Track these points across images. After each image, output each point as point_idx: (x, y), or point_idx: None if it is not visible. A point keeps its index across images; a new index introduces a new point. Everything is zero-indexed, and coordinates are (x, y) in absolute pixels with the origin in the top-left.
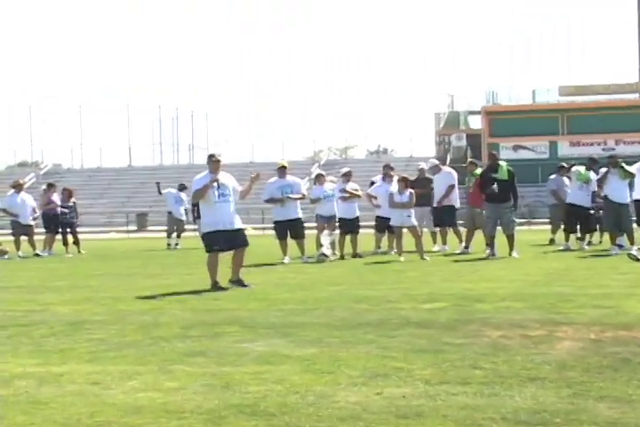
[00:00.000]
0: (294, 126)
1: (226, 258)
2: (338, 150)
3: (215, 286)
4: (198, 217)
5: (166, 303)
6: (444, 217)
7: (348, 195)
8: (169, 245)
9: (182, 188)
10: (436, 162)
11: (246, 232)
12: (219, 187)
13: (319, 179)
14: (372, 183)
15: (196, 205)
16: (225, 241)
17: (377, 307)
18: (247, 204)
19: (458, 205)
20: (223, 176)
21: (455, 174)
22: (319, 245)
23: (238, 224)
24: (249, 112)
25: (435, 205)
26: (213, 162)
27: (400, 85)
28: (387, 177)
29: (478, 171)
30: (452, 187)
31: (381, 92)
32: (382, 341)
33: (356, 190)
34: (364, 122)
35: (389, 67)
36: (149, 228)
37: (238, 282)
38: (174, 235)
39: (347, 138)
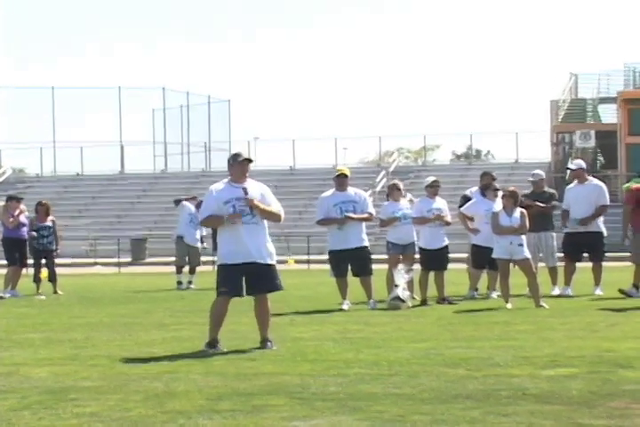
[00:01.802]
0: (350, 120)
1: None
2: (411, 153)
3: (211, 346)
4: None
5: (182, 365)
6: (593, 248)
7: (433, 216)
8: (179, 283)
9: (200, 203)
10: (582, 164)
11: (286, 266)
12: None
13: (394, 192)
14: (466, 199)
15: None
16: (245, 281)
17: (478, 373)
18: (286, 226)
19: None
20: (252, 187)
21: (605, 189)
22: (392, 286)
23: (269, 258)
24: (287, 100)
25: (567, 229)
26: (240, 164)
27: (498, 62)
28: (488, 190)
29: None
30: (603, 207)
31: (471, 73)
32: (490, 420)
33: (444, 216)
34: (448, 114)
35: (480, 39)
36: (149, 259)
37: (265, 343)
38: (186, 269)
39: (424, 135)
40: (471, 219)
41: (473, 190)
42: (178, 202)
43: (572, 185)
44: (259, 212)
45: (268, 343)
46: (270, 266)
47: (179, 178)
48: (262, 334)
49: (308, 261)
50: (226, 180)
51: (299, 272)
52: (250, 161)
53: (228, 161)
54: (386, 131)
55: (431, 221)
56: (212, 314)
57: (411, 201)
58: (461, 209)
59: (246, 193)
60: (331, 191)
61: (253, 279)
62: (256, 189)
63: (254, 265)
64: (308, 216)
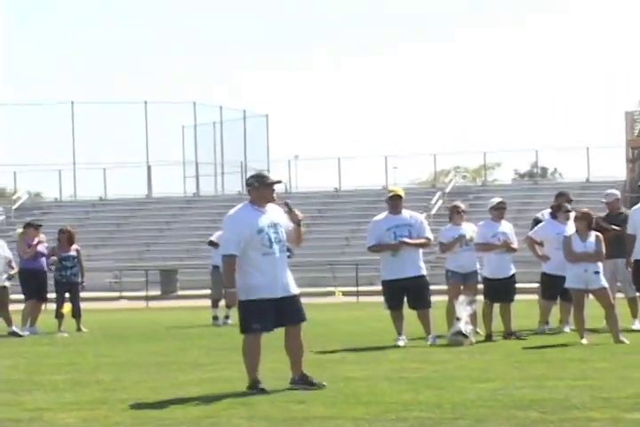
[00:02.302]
0: (400, 137)
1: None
2: (469, 172)
3: (255, 387)
4: None
5: (223, 408)
6: None
7: (499, 242)
8: (215, 318)
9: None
10: None
11: (333, 299)
12: (275, 229)
13: (455, 215)
14: (537, 222)
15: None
16: (273, 316)
17: (553, 416)
18: (332, 254)
19: None
20: (273, 211)
21: None
22: (453, 319)
23: (294, 288)
24: (330, 115)
25: (637, 256)
26: (266, 187)
27: (566, 71)
28: (559, 212)
29: None
30: None
31: (535, 83)
32: None
33: (510, 242)
34: (509, 129)
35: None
36: (181, 292)
37: (303, 380)
38: (222, 303)
39: (484, 152)
40: (540, 244)
41: (545, 213)
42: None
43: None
44: (297, 235)
45: (312, 379)
46: (295, 297)
47: (213, 201)
48: (298, 370)
49: (357, 293)
50: (241, 205)
51: (347, 305)
52: (278, 182)
53: (251, 183)
54: (440, 148)
55: (497, 248)
56: (247, 354)
57: (474, 231)
58: (529, 233)
59: (290, 208)
60: (383, 214)
61: (286, 311)
62: (276, 213)
63: (282, 299)
64: (356, 242)
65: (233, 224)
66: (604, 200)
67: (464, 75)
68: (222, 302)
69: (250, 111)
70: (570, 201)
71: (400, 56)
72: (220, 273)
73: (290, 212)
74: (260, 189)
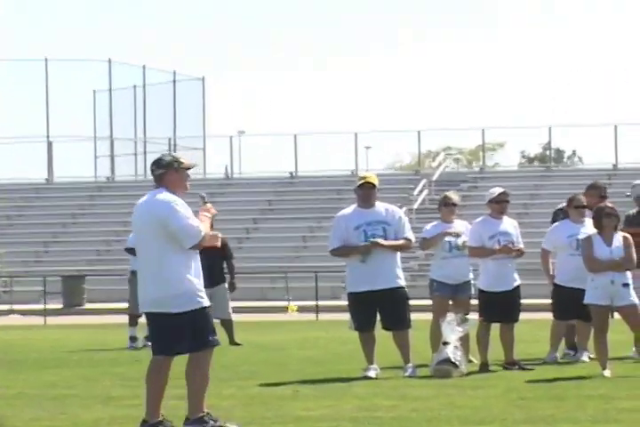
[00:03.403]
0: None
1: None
2: (464, 154)
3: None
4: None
5: None
6: None
7: (500, 245)
8: (133, 339)
9: None
10: None
11: (286, 315)
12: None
13: (445, 208)
14: (554, 219)
15: None
16: (186, 335)
17: None
18: (285, 259)
19: None
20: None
21: None
22: (439, 344)
23: (205, 300)
24: (284, 82)
25: None
26: (178, 171)
27: (586, 36)
28: (570, 208)
29: None
30: None
31: (547, 49)
32: None
33: (515, 244)
34: (516, 101)
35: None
36: (88, 305)
37: (195, 422)
38: (144, 320)
39: (482, 129)
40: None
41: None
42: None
43: None
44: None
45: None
46: (206, 308)
47: (131, 189)
48: (193, 409)
49: (317, 309)
50: (163, 192)
51: (303, 324)
52: (188, 167)
53: (164, 165)
54: (426, 123)
55: (496, 252)
56: (147, 383)
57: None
58: (543, 245)
59: (205, 201)
60: (351, 208)
61: (193, 330)
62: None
63: (194, 312)
64: (316, 244)
65: (179, 214)
66: (629, 194)
67: (457, 34)
68: (143, 319)
69: (181, 73)
70: (604, 196)
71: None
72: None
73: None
74: (172, 172)
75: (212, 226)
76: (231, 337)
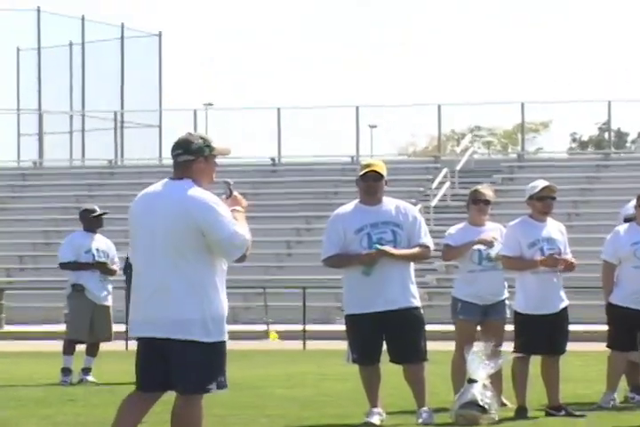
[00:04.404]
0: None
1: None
2: (497, 137)
3: None
4: None
5: None
6: None
7: (543, 257)
8: (66, 372)
9: (96, 225)
10: None
11: (264, 343)
12: None
13: (475, 207)
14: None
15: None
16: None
17: None
18: (263, 271)
19: None
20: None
21: None
22: (463, 382)
23: (168, 329)
24: (265, 43)
25: None
26: (208, 159)
27: None
28: (638, 207)
29: None
30: None
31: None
32: None
33: (562, 256)
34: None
35: None
36: (7, 327)
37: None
38: (82, 347)
39: (522, 103)
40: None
41: (631, 206)
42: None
43: None
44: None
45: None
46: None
47: (66, 177)
48: None
49: (304, 335)
50: (193, 186)
51: (287, 354)
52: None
53: (194, 151)
54: (448, 96)
55: (539, 264)
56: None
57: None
58: (603, 255)
59: (231, 191)
60: (351, 205)
61: (164, 368)
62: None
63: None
64: (305, 251)
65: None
66: None
67: None
68: (82, 347)
69: (132, 28)
70: None
71: None
72: (84, 298)
73: (230, 196)
74: (209, 160)
75: None
76: None
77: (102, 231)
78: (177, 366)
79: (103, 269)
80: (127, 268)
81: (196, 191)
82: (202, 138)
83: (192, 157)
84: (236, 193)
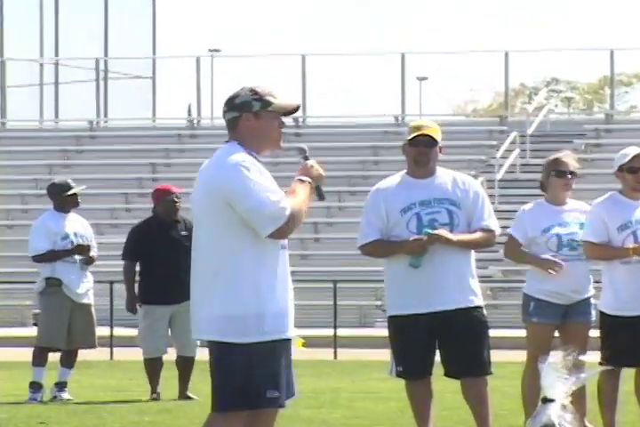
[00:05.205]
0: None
1: None
2: (580, 92)
3: None
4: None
5: None
6: None
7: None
8: (36, 386)
9: (70, 205)
10: None
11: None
12: None
13: (555, 181)
14: None
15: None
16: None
17: None
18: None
19: None
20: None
21: None
22: (535, 401)
23: (292, 328)
24: None
25: None
26: (260, 115)
27: None
28: None
29: None
30: None
31: None
32: None
33: None
34: None
35: None
36: None
37: None
38: (57, 356)
39: (611, 50)
40: None
41: None
42: (321, 196)
43: None
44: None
45: None
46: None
47: (34, 142)
48: None
49: (335, 342)
50: (234, 149)
51: (314, 366)
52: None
53: (237, 105)
54: (518, 42)
55: (630, 253)
56: None
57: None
58: None
59: (307, 157)
60: (396, 178)
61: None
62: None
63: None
64: (336, 235)
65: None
66: None
67: None
68: (57, 355)
69: None
70: None
71: None
72: (61, 294)
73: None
74: (263, 116)
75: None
76: (185, 387)
77: (80, 211)
78: None
79: (85, 254)
80: (129, 254)
81: (227, 154)
82: (252, 90)
83: (236, 114)
84: (309, 161)
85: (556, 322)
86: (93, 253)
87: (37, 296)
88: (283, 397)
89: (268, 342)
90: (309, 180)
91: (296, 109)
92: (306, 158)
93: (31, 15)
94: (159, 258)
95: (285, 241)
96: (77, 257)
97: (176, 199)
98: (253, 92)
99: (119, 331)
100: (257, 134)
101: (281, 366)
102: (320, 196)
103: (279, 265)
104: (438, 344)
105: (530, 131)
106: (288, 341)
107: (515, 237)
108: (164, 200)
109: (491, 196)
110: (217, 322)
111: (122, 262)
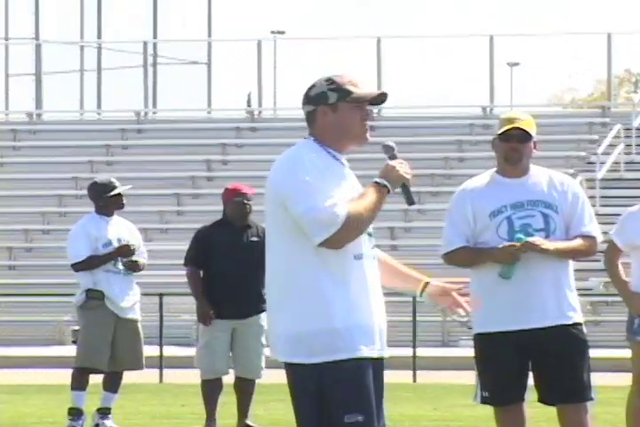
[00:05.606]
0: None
1: None
2: None
3: None
4: None
5: None
6: None
7: None
8: (76, 413)
9: (114, 206)
10: None
11: None
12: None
13: None
14: None
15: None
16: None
17: None
18: None
19: None
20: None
21: None
22: None
23: (382, 347)
24: None
25: None
26: (337, 107)
27: None
28: None
29: None
30: None
31: None
32: None
33: None
34: None
35: None
36: None
37: None
38: (99, 378)
39: None
40: None
41: None
42: (410, 200)
43: None
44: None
45: None
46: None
47: (71, 135)
48: None
49: (414, 363)
50: (307, 144)
51: (390, 390)
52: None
53: (312, 97)
54: (621, 23)
55: None
56: None
57: None
58: None
59: (395, 155)
60: (484, 177)
61: None
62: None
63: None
64: (414, 243)
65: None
66: None
67: None
68: (99, 378)
69: None
70: None
71: None
72: (104, 309)
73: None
74: (340, 108)
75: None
76: (244, 414)
77: (125, 214)
78: None
79: (128, 257)
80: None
81: (292, 151)
82: (328, 79)
83: (312, 107)
84: (392, 161)
85: None
86: (142, 259)
87: (77, 311)
88: (373, 421)
89: (339, 361)
90: (386, 182)
91: (381, 98)
92: (392, 158)
93: None
94: (224, 266)
95: (363, 250)
96: (121, 267)
97: (246, 201)
98: (330, 81)
99: (170, 350)
100: (335, 129)
101: (364, 388)
102: (408, 199)
103: (352, 275)
104: (532, 366)
105: (635, 124)
106: (372, 360)
107: (615, 242)
108: (232, 202)
109: (591, 197)
110: (285, 341)
111: (172, 272)
